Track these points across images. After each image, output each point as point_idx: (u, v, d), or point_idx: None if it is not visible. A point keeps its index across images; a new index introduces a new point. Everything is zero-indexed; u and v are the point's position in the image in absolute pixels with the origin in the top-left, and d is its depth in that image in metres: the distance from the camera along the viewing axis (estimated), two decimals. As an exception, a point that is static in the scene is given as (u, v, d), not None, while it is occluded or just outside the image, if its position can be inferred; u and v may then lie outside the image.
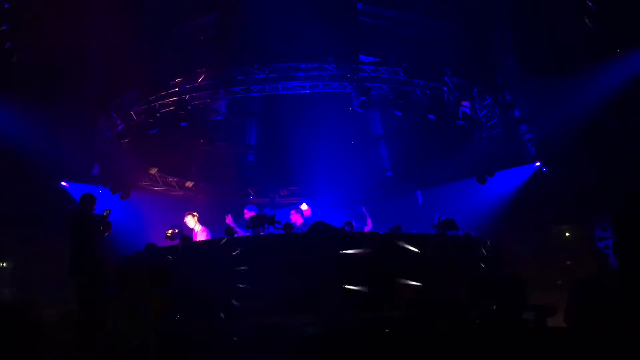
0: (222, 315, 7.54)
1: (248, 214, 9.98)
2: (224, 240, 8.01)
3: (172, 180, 13.78)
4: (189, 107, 10.33)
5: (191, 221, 9.92)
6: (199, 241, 9.11)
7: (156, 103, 10.62)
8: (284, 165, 13.33)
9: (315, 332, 7.14)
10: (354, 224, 10.44)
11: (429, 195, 13.91)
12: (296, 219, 10.18)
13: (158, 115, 10.60)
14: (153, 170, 13.12)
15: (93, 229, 7.22)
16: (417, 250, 8.07)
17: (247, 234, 9.20)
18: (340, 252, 7.75)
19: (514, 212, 12.90)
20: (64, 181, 12.61)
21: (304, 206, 11.45)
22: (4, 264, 12.93)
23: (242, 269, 7.59)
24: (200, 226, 9.94)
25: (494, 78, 11.22)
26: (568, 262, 13.34)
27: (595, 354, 5.62)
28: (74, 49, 10.54)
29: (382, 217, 11.85)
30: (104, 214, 7.48)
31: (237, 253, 7.73)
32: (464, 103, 10.28)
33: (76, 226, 7.23)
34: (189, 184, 13.98)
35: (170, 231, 9.15)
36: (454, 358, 5.92)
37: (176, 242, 8.77)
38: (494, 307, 8.49)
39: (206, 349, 6.60)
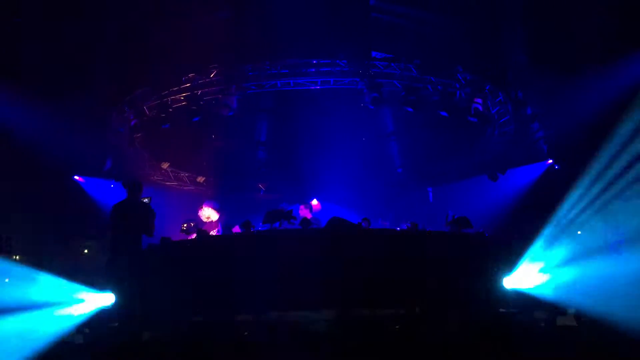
0: (233, 311, 7.56)
1: (207, 208, 9.97)
2: (239, 235, 8.02)
3: (184, 175, 13.88)
4: (201, 103, 10.39)
5: (208, 211, 9.89)
6: (215, 235, 9.13)
7: (169, 98, 10.69)
8: (294, 162, 13.34)
9: (326, 329, 7.17)
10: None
11: (440, 192, 13.88)
12: (305, 213, 10.21)
13: (170, 110, 10.67)
14: (165, 165, 13.20)
15: (145, 217, 6.93)
16: (431, 248, 8.07)
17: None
18: (357, 248, 7.73)
19: (525, 210, 12.82)
20: (78, 176, 12.72)
21: (314, 202, 11.46)
22: (17, 257, 13.04)
23: (256, 264, 7.60)
24: (217, 215, 9.86)
25: (507, 75, 11.15)
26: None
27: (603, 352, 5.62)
28: (87, 44, 10.61)
29: (393, 214, 11.84)
30: (146, 201, 7.25)
31: (252, 248, 7.74)
32: (476, 100, 10.24)
33: (125, 215, 6.93)
34: (201, 179, 14.06)
35: (185, 225, 9.17)
36: (464, 356, 5.92)
37: (191, 236, 8.78)
38: (505, 306, 8.51)
39: (217, 343, 6.63)
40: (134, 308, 6.77)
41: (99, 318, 7.31)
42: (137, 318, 6.89)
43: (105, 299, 7.34)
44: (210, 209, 9.85)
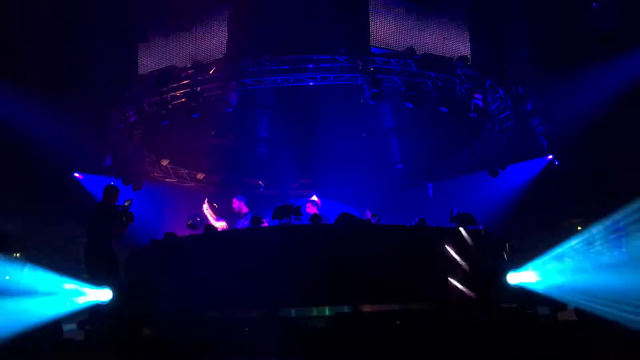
0: (232, 306, 7.56)
1: (237, 203, 9.98)
2: (245, 230, 8.00)
3: (184, 172, 13.84)
4: (200, 99, 10.35)
5: (240, 204, 9.89)
6: (219, 231, 9.12)
7: (168, 95, 10.65)
8: (294, 158, 13.33)
9: (326, 325, 7.17)
10: None
11: (440, 188, 13.87)
12: (312, 211, 10.22)
13: (170, 106, 10.63)
14: (165, 162, 13.18)
15: (112, 220, 7.09)
16: (436, 244, 8.07)
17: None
18: (366, 244, 7.72)
19: (525, 205, 12.84)
20: (78, 172, 12.71)
21: (314, 198, 11.44)
22: (17, 254, 13.05)
23: (259, 260, 7.60)
24: (246, 210, 9.91)
25: (507, 70, 11.14)
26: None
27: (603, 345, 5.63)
28: (87, 41, 10.60)
29: (393, 210, 11.82)
30: (126, 204, 7.41)
31: (256, 243, 7.73)
32: (476, 95, 10.22)
33: (96, 218, 7.13)
34: (200, 175, 14.03)
35: (190, 220, 9.21)
36: (465, 351, 5.93)
37: (197, 231, 8.77)
38: (507, 301, 8.52)
39: (217, 338, 6.63)
40: (132, 305, 6.83)
41: (100, 315, 7.31)
42: (134, 314, 6.94)
43: (102, 295, 7.35)
44: (241, 203, 9.90)
